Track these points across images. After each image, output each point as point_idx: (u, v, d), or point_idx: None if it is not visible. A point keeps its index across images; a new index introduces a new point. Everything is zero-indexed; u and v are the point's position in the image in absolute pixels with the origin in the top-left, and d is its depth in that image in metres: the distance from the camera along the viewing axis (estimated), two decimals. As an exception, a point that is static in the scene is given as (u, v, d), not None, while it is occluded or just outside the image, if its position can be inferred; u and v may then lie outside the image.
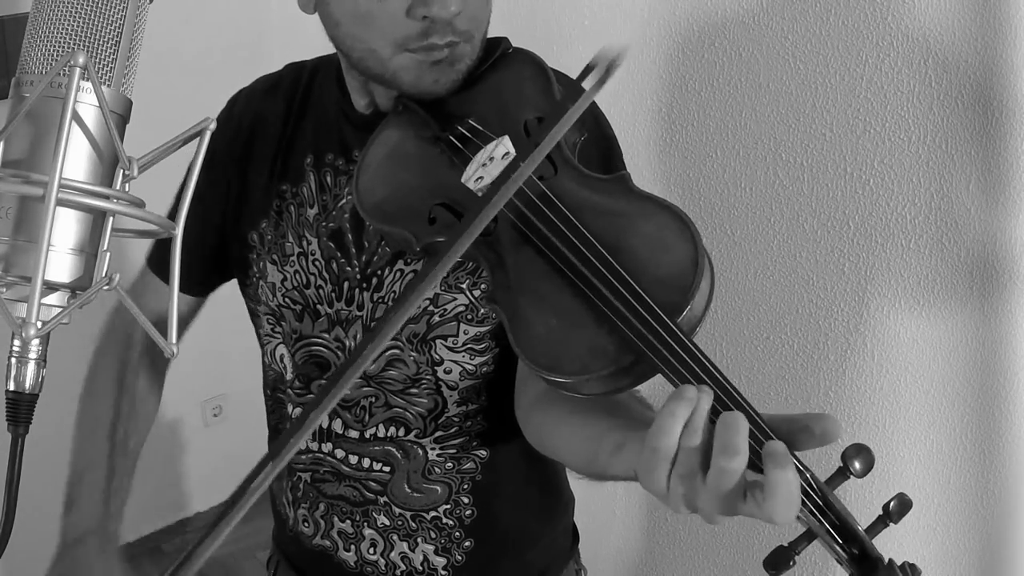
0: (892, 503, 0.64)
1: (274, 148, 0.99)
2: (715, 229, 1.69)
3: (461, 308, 0.93)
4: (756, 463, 0.60)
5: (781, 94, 1.53)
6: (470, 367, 0.95)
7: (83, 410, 1.09)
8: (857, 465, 0.64)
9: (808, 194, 1.54)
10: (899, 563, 0.64)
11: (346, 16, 0.83)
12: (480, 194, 0.76)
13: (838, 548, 0.64)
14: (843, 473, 0.64)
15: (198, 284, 1.07)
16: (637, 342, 0.65)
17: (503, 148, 0.78)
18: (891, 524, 0.65)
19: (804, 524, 0.64)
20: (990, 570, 1.48)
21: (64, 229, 0.52)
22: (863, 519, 0.66)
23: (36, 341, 0.50)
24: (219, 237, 1.03)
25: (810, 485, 0.63)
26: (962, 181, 1.36)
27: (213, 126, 0.55)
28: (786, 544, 0.64)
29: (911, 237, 1.44)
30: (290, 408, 1.03)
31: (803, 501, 0.62)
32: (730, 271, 1.68)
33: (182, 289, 1.02)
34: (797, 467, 0.62)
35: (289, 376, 1.02)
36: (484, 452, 1.00)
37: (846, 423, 1.57)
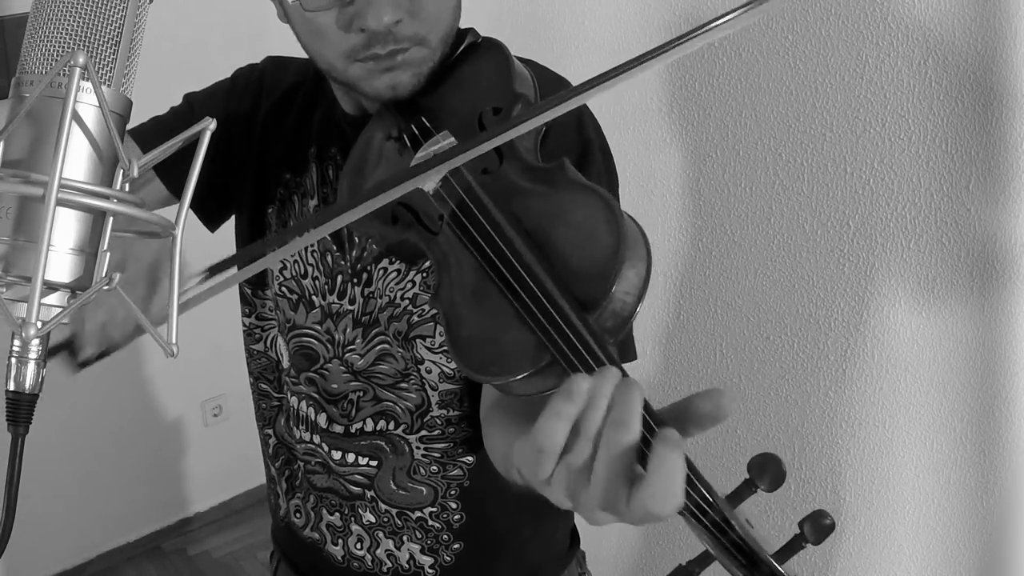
0: (806, 524, 0.58)
1: (286, 134, 1.01)
2: (715, 229, 1.69)
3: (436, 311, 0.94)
4: (645, 453, 0.56)
5: (781, 94, 1.53)
6: (447, 370, 0.96)
7: None
8: (767, 478, 0.57)
9: (808, 194, 1.54)
10: None
11: (302, 32, 0.85)
12: (429, 190, 0.76)
13: (738, 571, 0.58)
14: (749, 487, 0.58)
15: (201, 205, 1.05)
16: (548, 343, 0.62)
17: (445, 144, 0.78)
18: (808, 544, 0.58)
19: (702, 543, 0.59)
20: (990, 570, 1.48)
21: (64, 229, 0.52)
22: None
23: (36, 341, 0.50)
24: (225, 184, 1.03)
25: (706, 500, 0.57)
26: (962, 181, 1.36)
27: (213, 126, 0.55)
28: (684, 563, 0.59)
29: (911, 237, 1.44)
30: (289, 396, 1.04)
31: (698, 517, 0.58)
32: (730, 271, 1.68)
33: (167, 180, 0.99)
34: (693, 478, 0.57)
35: (285, 365, 1.03)
36: (471, 458, 1.00)
37: (846, 423, 1.57)
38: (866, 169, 1.46)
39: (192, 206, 0.52)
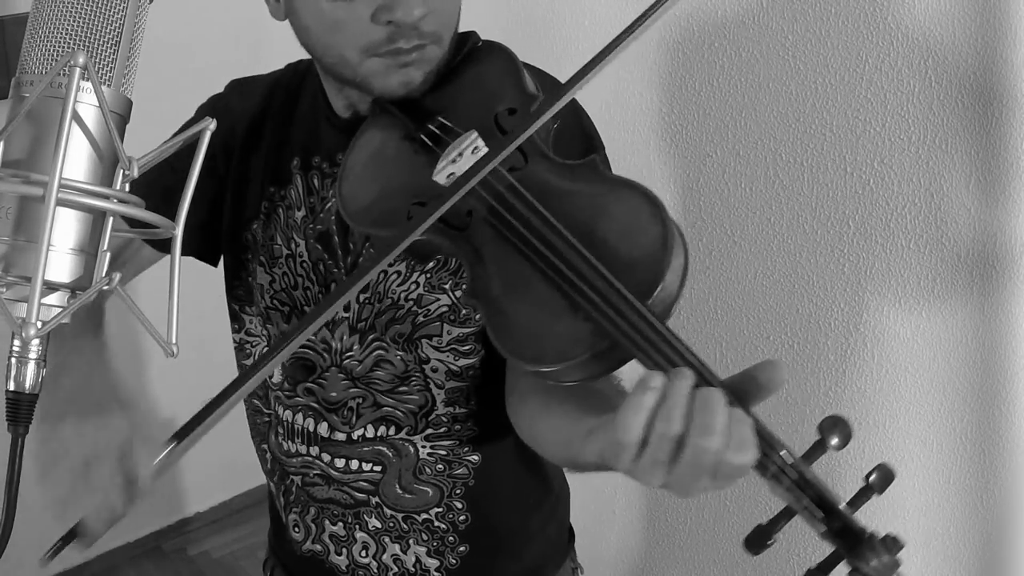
0: (873, 474, 0.64)
1: (265, 149, 1.00)
2: (715, 229, 1.69)
3: (444, 308, 0.93)
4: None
5: (781, 94, 1.53)
6: (455, 368, 0.95)
7: None
8: (835, 438, 0.64)
9: (808, 194, 1.54)
10: (881, 536, 0.63)
11: (314, 23, 0.84)
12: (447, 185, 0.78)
13: (819, 523, 0.63)
14: (821, 446, 0.64)
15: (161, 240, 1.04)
16: (609, 327, 0.65)
17: (471, 143, 0.79)
18: (875, 495, 0.65)
19: (783, 501, 0.64)
20: (990, 570, 1.48)
21: (64, 229, 0.52)
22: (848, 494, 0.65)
23: (36, 341, 0.51)
24: (205, 209, 1.02)
25: (785, 461, 0.63)
26: (961, 181, 1.36)
27: (213, 126, 0.55)
28: (765, 523, 0.64)
29: (911, 237, 1.44)
30: (280, 411, 1.03)
31: (779, 477, 0.62)
32: (730, 271, 1.68)
33: (157, 248, 1.00)
34: (770, 441, 0.63)
35: (277, 379, 1.02)
36: (476, 457, 1.00)
37: (846, 423, 1.57)
38: (866, 169, 1.46)
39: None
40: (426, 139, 0.83)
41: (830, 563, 0.65)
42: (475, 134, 0.80)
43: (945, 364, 1.45)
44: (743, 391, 0.63)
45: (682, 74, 1.67)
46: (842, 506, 0.63)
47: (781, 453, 0.63)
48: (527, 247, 0.71)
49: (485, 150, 0.77)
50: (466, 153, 0.79)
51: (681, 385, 0.61)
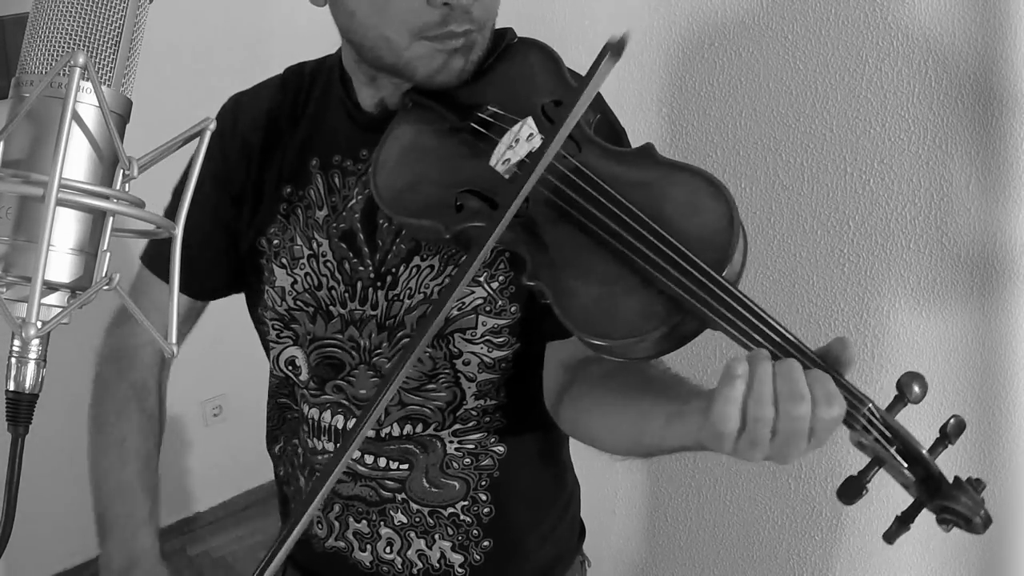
0: (950, 423, 0.69)
1: (279, 152, 1.00)
2: (715, 229, 1.69)
3: (479, 301, 0.93)
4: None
5: (781, 94, 1.53)
6: (488, 360, 0.95)
7: (100, 432, 1.06)
8: (916, 389, 0.68)
9: (808, 194, 1.54)
10: (965, 478, 0.68)
11: (362, 5, 0.84)
12: (508, 176, 0.80)
13: (904, 472, 0.67)
14: (901, 399, 0.68)
15: (199, 286, 1.05)
16: (689, 299, 0.68)
17: (528, 129, 0.81)
18: (949, 445, 0.69)
19: (870, 453, 0.68)
20: (990, 570, 1.48)
21: (64, 229, 0.52)
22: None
23: (36, 341, 0.51)
24: (229, 242, 1.02)
25: (872, 413, 0.67)
26: (962, 181, 1.37)
27: (213, 126, 0.55)
28: (855, 474, 0.68)
29: (911, 237, 1.44)
30: (306, 409, 1.03)
31: (867, 429, 0.67)
32: (730, 271, 1.68)
33: (183, 290, 1.02)
34: (857, 396, 0.67)
35: (304, 377, 1.02)
36: (502, 448, 1.01)
37: (846, 423, 1.57)
38: (866, 169, 1.46)
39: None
40: (477, 126, 0.84)
41: (914, 510, 0.70)
42: (531, 120, 0.81)
43: (945, 364, 1.45)
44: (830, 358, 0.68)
45: (682, 74, 1.67)
46: (925, 453, 0.68)
47: (868, 407, 0.67)
48: (597, 226, 0.73)
49: (540, 137, 0.79)
50: (522, 139, 0.80)
51: (764, 367, 0.65)
